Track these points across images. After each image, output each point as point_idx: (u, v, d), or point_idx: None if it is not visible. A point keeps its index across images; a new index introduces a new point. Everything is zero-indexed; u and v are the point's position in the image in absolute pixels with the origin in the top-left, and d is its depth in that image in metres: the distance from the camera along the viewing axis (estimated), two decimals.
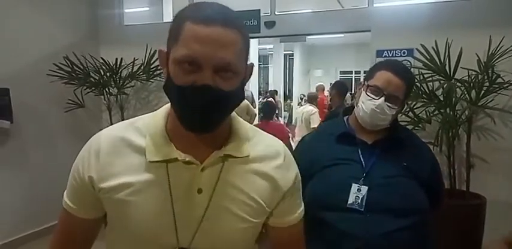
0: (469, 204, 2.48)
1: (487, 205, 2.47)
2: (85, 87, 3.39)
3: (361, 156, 1.20)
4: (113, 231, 0.77)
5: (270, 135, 0.83)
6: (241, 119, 0.79)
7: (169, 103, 0.73)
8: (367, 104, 1.18)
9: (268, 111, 3.77)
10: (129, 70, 3.41)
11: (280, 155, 0.78)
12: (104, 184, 0.71)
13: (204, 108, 0.64)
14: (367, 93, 1.19)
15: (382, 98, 1.16)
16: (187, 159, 0.70)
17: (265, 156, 0.76)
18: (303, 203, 0.84)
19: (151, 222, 0.70)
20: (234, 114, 0.77)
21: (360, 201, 1.13)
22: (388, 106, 1.17)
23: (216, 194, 0.71)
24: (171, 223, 0.70)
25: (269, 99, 8.11)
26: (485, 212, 2.46)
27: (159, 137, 0.72)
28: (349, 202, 1.13)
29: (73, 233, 0.79)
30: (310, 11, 3.46)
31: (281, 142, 0.83)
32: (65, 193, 0.78)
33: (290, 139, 4.19)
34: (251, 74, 0.74)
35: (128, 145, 0.72)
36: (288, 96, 11.75)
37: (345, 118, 1.34)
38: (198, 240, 0.71)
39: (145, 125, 0.74)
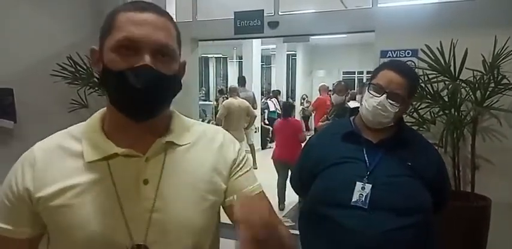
0: (474, 206, 2.46)
1: (492, 206, 2.45)
2: (88, 87, 3.40)
3: (365, 155, 1.23)
4: (57, 245, 0.72)
5: (205, 123, 0.87)
6: (177, 112, 0.81)
7: (102, 109, 0.76)
8: (369, 101, 1.21)
9: (289, 110, 4.51)
10: None
11: (217, 137, 0.81)
12: (41, 193, 0.68)
13: (146, 89, 0.63)
14: (369, 91, 1.22)
15: (384, 95, 1.19)
16: (126, 152, 0.69)
17: (204, 141, 0.78)
18: (257, 179, 0.83)
19: (100, 221, 0.67)
20: (172, 108, 0.78)
21: (363, 199, 1.16)
22: (390, 103, 1.19)
23: (163, 184, 0.70)
24: (121, 220, 0.68)
25: (280, 100, 8.13)
26: (490, 214, 2.44)
27: (97, 137, 0.72)
28: (353, 200, 1.16)
29: None
30: (314, 11, 3.45)
31: (217, 126, 0.87)
32: None
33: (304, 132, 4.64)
34: (184, 71, 0.75)
35: (64, 152, 0.71)
36: (290, 96, 11.74)
37: (351, 119, 1.37)
38: (152, 234, 0.69)
39: (81, 131, 0.74)
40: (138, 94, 0.63)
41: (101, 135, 0.72)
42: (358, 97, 4.39)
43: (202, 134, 0.79)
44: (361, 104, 1.27)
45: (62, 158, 0.70)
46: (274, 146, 4.43)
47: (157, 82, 0.64)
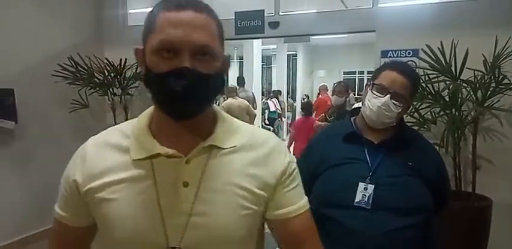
0: (475, 206, 2.45)
1: (493, 206, 2.45)
2: (89, 88, 3.40)
3: (367, 155, 1.23)
4: (100, 237, 0.76)
5: (255, 126, 0.83)
6: (224, 113, 0.79)
7: (152, 107, 0.75)
8: (373, 102, 1.21)
9: (309, 109, 4.85)
10: (133, 70, 3.41)
11: (267, 143, 0.77)
12: (88, 186, 0.71)
13: (186, 90, 0.63)
14: (373, 92, 1.22)
15: (388, 96, 1.20)
16: (170, 153, 0.69)
17: (251, 146, 0.75)
18: (304, 195, 0.79)
19: (138, 219, 0.68)
20: (218, 108, 0.77)
21: (366, 199, 1.16)
22: (394, 103, 1.20)
23: (203, 187, 0.69)
24: (159, 220, 0.68)
25: (281, 100, 8.12)
26: (491, 214, 2.44)
27: (143, 135, 0.72)
28: (356, 200, 1.16)
29: (66, 243, 0.80)
30: (314, 11, 3.44)
31: (269, 131, 0.83)
32: (56, 204, 0.79)
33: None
34: (229, 66, 0.74)
35: (113, 147, 0.73)
36: (291, 96, 11.74)
37: (352, 119, 1.36)
38: (188, 238, 0.68)
39: (129, 128, 0.75)
40: (177, 95, 0.64)
41: (148, 134, 0.73)
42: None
43: (250, 137, 0.76)
44: (363, 104, 1.27)
45: (111, 153, 0.73)
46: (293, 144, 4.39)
47: (196, 83, 0.64)
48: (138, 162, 0.70)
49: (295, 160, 0.80)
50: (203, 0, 0.69)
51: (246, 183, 0.71)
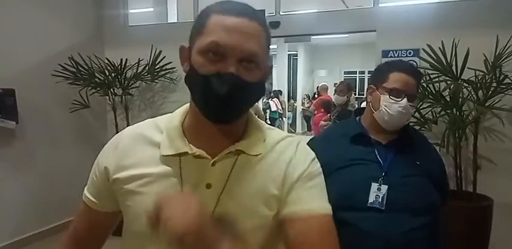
0: (476, 206, 2.45)
1: (494, 206, 2.45)
2: (90, 88, 3.40)
3: (378, 156, 1.23)
4: (126, 226, 0.77)
5: (283, 131, 0.82)
6: (256, 118, 0.79)
7: (188, 103, 0.75)
8: (393, 107, 1.21)
9: (329, 106, 5.11)
10: (134, 70, 3.41)
11: (290, 149, 0.75)
12: (117, 175, 0.73)
13: (227, 96, 0.64)
14: (391, 97, 1.22)
15: (405, 99, 1.21)
16: (197, 153, 0.69)
17: (277, 153, 0.74)
18: (327, 202, 0.74)
19: None
20: (251, 112, 0.77)
21: (380, 200, 1.16)
22: (410, 105, 1.22)
23: (226, 191, 0.69)
24: None
25: (282, 99, 8.11)
26: (492, 214, 2.44)
27: (174, 132, 0.73)
28: (369, 201, 1.16)
29: (90, 226, 0.83)
30: (315, 11, 3.44)
31: (295, 135, 0.82)
32: (85, 187, 0.82)
33: None
34: (270, 74, 0.75)
35: (145, 140, 0.74)
36: (292, 96, 11.73)
37: (357, 119, 1.36)
38: None
39: (164, 122, 0.76)
40: (219, 100, 0.64)
41: (179, 131, 0.73)
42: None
43: (276, 144, 0.75)
44: (376, 110, 1.25)
45: (143, 146, 0.74)
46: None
47: (239, 90, 0.64)
48: (167, 158, 0.71)
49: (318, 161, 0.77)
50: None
51: (268, 190, 0.71)
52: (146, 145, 0.74)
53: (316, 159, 0.78)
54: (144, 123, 0.79)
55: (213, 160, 0.70)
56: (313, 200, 0.72)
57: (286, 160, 0.74)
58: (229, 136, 0.72)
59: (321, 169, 0.77)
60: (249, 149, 0.72)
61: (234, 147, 0.71)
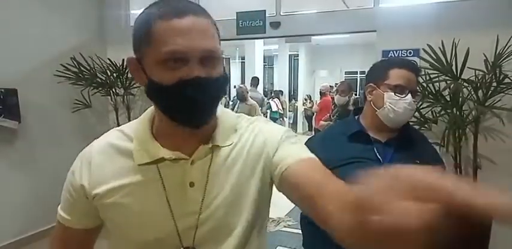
0: None
1: None
2: (92, 88, 3.42)
3: (377, 154, 1.23)
4: (114, 240, 0.76)
5: (249, 116, 0.82)
6: (224, 108, 0.78)
7: (151, 108, 0.74)
8: (399, 104, 1.21)
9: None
10: None
11: (261, 129, 0.76)
12: (96, 190, 0.71)
13: (202, 100, 0.63)
14: (396, 94, 1.22)
15: (409, 95, 1.22)
16: (173, 157, 0.69)
17: (250, 137, 0.75)
18: (309, 153, 0.73)
19: (151, 222, 0.69)
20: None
21: None
22: (414, 101, 1.24)
23: (210, 186, 0.70)
24: (170, 222, 0.69)
25: (282, 100, 8.11)
26: None
27: (145, 139, 0.71)
28: None
29: (69, 245, 0.80)
30: (316, 11, 3.45)
31: (262, 117, 0.82)
32: (59, 207, 0.79)
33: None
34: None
35: (116, 151, 0.73)
36: (292, 96, 11.74)
37: (356, 117, 1.37)
38: (200, 236, 0.69)
39: (132, 131, 0.74)
40: (194, 106, 0.63)
41: (150, 137, 0.72)
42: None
43: (247, 129, 0.76)
44: (379, 107, 1.25)
45: (115, 158, 0.72)
46: None
47: (210, 90, 0.63)
48: (143, 167, 0.70)
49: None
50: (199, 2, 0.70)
51: (250, 173, 0.72)
52: (119, 156, 0.72)
53: (284, 127, 0.80)
54: (110, 134, 0.77)
55: (191, 159, 0.70)
56: (300, 152, 0.72)
57: (261, 142, 0.74)
58: (202, 134, 0.71)
59: (292, 132, 0.79)
60: (223, 142, 0.72)
61: (209, 144, 0.71)
